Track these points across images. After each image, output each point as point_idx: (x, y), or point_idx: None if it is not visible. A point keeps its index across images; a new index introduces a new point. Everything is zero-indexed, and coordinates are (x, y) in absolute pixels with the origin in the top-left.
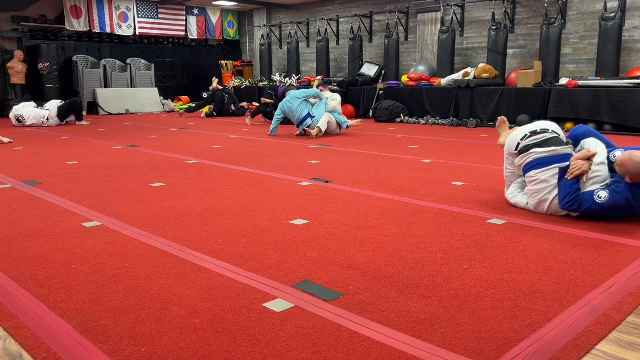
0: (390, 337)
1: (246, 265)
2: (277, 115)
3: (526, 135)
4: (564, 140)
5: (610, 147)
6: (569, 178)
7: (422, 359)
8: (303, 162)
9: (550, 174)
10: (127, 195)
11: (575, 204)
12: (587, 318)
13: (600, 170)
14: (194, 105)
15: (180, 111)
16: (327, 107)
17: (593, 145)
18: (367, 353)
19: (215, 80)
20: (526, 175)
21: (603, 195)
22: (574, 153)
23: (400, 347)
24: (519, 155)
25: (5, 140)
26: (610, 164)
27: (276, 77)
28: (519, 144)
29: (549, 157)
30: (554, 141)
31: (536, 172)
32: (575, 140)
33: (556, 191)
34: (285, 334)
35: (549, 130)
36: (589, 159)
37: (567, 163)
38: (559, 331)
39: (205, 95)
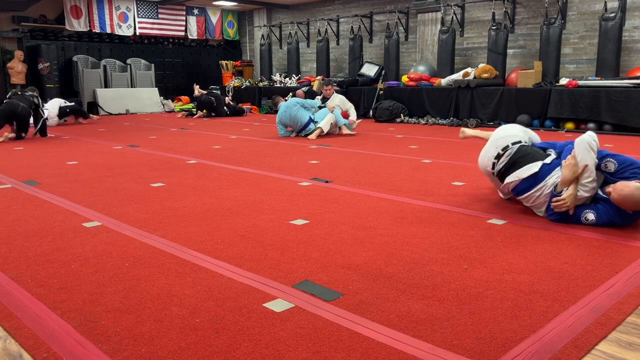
0: (390, 337)
1: (246, 265)
2: (279, 129)
3: (499, 153)
4: (532, 141)
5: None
6: (554, 210)
7: (422, 359)
8: (303, 162)
9: (542, 190)
10: (127, 195)
11: (562, 219)
12: (587, 318)
13: (588, 186)
14: (194, 111)
15: (181, 112)
16: (339, 116)
17: (581, 158)
18: (367, 353)
19: (196, 87)
20: (518, 198)
21: (590, 217)
22: (552, 154)
23: (400, 347)
24: (497, 177)
25: (9, 136)
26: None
27: (276, 77)
28: (494, 163)
29: (535, 179)
30: (526, 154)
31: (528, 194)
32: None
33: (547, 193)
34: (285, 334)
35: (519, 141)
36: (577, 178)
37: (555, 177)
38: (559, 331)
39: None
